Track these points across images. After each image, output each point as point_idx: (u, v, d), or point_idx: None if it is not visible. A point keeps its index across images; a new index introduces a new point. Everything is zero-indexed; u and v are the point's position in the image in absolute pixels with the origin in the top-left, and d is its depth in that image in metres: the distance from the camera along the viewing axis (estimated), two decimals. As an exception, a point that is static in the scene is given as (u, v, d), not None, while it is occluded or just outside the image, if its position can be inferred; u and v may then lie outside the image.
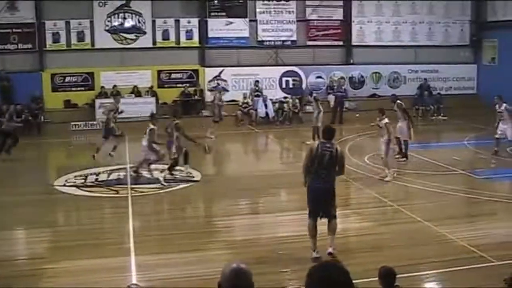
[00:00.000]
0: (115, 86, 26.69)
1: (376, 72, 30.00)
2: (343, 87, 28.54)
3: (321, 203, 9.96)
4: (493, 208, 13.42)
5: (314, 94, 21.98)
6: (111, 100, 22.12)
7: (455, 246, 10.60)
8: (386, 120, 16.09)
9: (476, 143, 21.61)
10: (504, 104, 18.32)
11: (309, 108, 28.05)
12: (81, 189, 15.29)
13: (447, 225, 11.73)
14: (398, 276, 7.03)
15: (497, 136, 18.52)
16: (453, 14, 30.91)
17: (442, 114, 28.25)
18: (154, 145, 15.93)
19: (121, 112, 20.19)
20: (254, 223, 12.51)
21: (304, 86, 28.97)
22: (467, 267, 9.48)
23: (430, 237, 11.11)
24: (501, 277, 6.69)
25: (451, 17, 30.91)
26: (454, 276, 9.27)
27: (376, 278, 6.81)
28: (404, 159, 18.14)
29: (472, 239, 10.91)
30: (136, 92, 27.08)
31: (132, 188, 15.12)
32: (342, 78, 29.14)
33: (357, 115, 26.44)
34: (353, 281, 3.43)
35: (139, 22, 27.47)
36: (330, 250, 9.88)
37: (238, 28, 28.40)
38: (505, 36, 28.89)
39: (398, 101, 18.38)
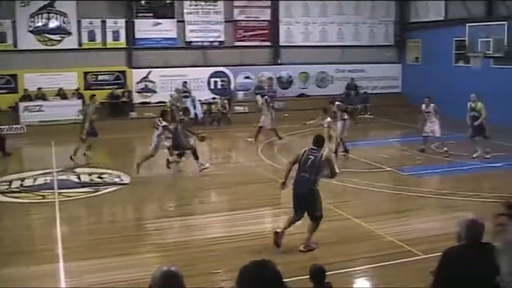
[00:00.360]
0: (40, 88, 26.02)
1: (304, 72, 30.31)
2: (273, 87, 28.69)
3: (301, 204, 10.41)
4: (420, 203, 13.75)
5: (266, 96, 21.89)
6: (38, 103, 21.53)
7: (384, 241, 10.81)
8: (329, 119, 16.41)
9: (402, 141, 22.12)
10: (432, 105, 18.82)
11: (238, 108, 28.17)
12: (6, 195, 14.82)
13: (376, 221, 11.95)
14: (328, 273, 7.09)
15: (424, 134, 19.01)
16: (378, 15, 31.55)
17: (369, 113, 28.77)
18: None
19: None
20: (185, 225, 12.41)
21: (232, 86, 28.99)
22: (396, 261, 9.69)
23: (360, 234, 11.29)
24: (427, 270, 6.84)
25: (376, 17, 31.54)
26: (383, 271, 9.46)
27: (308, 276, 6.85)
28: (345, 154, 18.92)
29: (400, 234, 11.17)
30: (61, 94, 26.47)
31: (59, 193, 14.76)
32: (270, 78, 29.27)
33: (286, 114, 26.61)
34: (285, 280, 3.41)
35: (64, 22, 26.85)
36: (301, 247, 10.22)
37: (166, 28, 28.15)
38: (427, 36, 29.72)
39: (337, 102, 19.23)
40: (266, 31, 29.86)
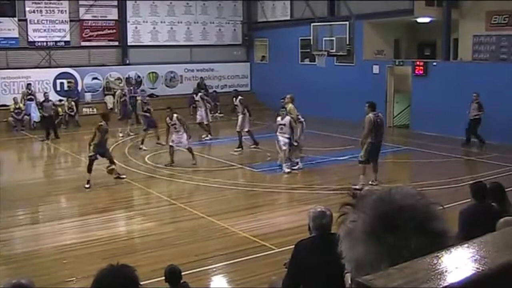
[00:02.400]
0: None
1: (152, 72, 30.05)
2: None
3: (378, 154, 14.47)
4: (270, 198, 14.11)
5: (240, 97, 21.03)
6: None
7: (237, 238, 10.97)
8: (288, 117, 16.36)
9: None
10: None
11: (86, 110, 27.42)
12: None
13: (229, 218, 12.12)
14: (184, 272, 7.10)
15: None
16: (226, 15, 31.95)
17: (219, 112, 29.04)
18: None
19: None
20: (34, 234, 11.86)
21: (80, 88, 28.15)
22: (251, 257, 9.88)
23: (214, 232, 11.39)
24: (281, 263, 7.05)
25: (224, 17, 31.92)
26: (239, 267, 9.60)
27: (163, 278, 6.82)
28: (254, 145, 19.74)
29: (254, 229, 11.39)
30: None
31: None
32: (118, 79, 28.78)
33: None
34: (141, 283, 3.37)
35: None
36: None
37: (6, 28, 26.75)
38: (274, 35, 30.53)
39: (240, 97, 19.95)
40: (113, 31, 29.29)
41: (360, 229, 1.40)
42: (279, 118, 16.51)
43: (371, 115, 14.31)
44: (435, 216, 1.41)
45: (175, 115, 17.35)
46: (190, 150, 17.35)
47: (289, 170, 16.27)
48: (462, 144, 19.63)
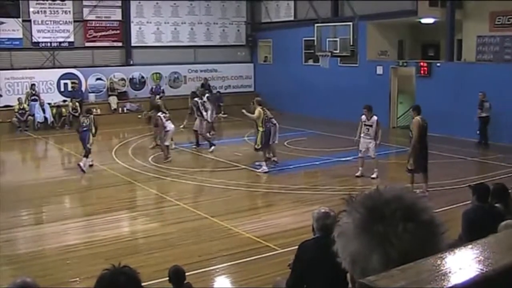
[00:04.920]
0: None
1: (156, 73, 30.06)
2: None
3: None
4: (273, 199, 14.12)
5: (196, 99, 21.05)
6: None
7: (241, 238, 10.97)
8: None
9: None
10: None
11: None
12: None
13: (232, 219, 12.11)
14: (188, 273, 7.10)
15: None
16: (229, 15, 31.95)
17: (222, 112, 29.05)
18: None
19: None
20: (38, 234, 11.87)
21: (83, 88, 28.16)
22: (254, 257, 9.88)
23: (217, 232, 11.39)
24: (285, 263, 7.06)
25: (228, 18, 31.92)
26: (243, 267, 9.60)
27: (167, 278, 6.83)
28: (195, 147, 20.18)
29: (257, 230, 11.39)
30: None
31: None
32: (122, 79, 28.85)
33: (139, 116, 26.23)
34: (144, 283, 3.38)
35: None
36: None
37: (11, 28, 26.78)
38: (277, 36, 30.51)
39: (196, 98, 20.39)
40: (117, 32, 29.31)
41: (351, 227, 1.46)
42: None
43: (418, 118, 13.53)
44: (423, 207, 1.47)
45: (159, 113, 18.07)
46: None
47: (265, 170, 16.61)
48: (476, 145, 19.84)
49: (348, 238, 1.46)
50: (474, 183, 8.24)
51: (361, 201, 1.49)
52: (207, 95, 23.00)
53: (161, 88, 28.66)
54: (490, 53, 22.38)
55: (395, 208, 1.43)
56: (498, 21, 21.96)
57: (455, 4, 22.59)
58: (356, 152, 16.15)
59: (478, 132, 19.87)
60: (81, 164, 16.79)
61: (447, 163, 17.57)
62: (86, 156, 16.99)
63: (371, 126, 15.26)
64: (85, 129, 17.21)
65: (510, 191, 7.68)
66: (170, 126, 18.56)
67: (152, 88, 28.91)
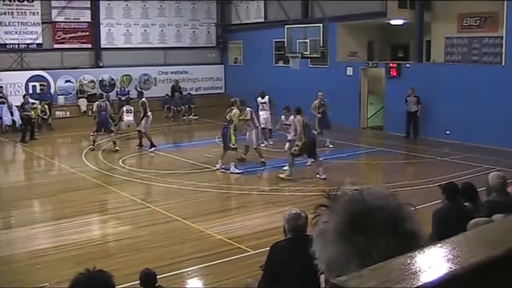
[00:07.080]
0: None
1: (126, 75, 29.87)
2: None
3: None
4: (245, 201, 14.14)
5: (143, 99, 21.15)
6: None
7: (213, 240, 10.95)
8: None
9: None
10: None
11: (59, 113, 27.18)
12: None
13: (204, 221, 12.09)
14: (159, 276, 7.07)
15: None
16: (199, 17, 31.88)
17: (193, 114, 29.00)
18: None
19: None
20: (7, 239, 11.68)
21: (52, 91, 27.86)
22: (226, 259, 9.87)
23: (189, 234, 11.36)
24: (257, 265, 7.06)
25: (198, 19, 31.85)
26: (214, 269, 9.59)
27: (139, 281, 6.78)
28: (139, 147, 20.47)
29: (229, 232, 11.39)
30: None
31: None
32: (92, 81, 28.63)
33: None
34: (116, 287, 3.36)
35: None
36: None
37: (-23, 30, 26.47)
38: (248, 37, 30.54)
39: (143, 99, 20.75)
40: (86, 33, 29.06)
41: (331, 230, 1.42)
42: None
43: (299, 117, 15.52)
44: (406, 216, 1.43)
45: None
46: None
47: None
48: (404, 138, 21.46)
49: (326, 242, 1.42)
50: (443, 182, 8.30)
51: (343, 205, 1.43)
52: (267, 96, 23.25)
53: (126, 90, 28.44)
54: (458, 54, 22.69)
55: (378, 218, 1.38)
56: (466, 23, 22.26)
57: (423, 5, 22.85)
58: (325, 154, 16.23)
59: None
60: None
61: (416, 163, 17.76)
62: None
63: (289, 125, 16.81)
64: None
65: (478, 190, 7.77)
66: (127, 118, 20.88)
67: (117, 91, 28.77)
